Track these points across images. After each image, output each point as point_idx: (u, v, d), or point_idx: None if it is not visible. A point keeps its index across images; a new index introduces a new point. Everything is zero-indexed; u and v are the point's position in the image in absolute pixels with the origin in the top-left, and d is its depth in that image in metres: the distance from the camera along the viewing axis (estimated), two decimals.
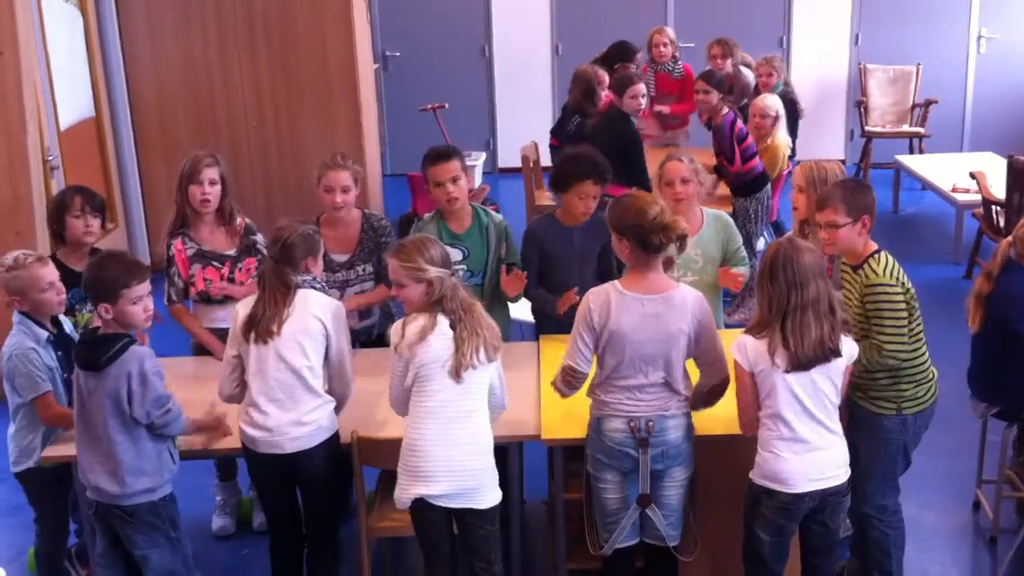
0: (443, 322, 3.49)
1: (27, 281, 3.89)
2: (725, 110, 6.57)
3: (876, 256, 3.78)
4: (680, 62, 8.01)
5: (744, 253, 4.71)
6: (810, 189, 4.26)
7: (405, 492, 3.54)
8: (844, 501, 3.59)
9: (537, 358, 4.39)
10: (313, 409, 3.71)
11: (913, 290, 3.80)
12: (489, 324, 3.54)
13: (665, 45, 7.95)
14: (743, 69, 7.96)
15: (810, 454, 3.47)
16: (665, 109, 7.96)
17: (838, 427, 3.53)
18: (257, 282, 3.75)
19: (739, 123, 6.54)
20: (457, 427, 3.49)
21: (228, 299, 4.45)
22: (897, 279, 3.74)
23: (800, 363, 3.41)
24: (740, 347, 3.49)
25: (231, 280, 4.49)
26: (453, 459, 3.49)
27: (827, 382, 3.46)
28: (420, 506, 3.54)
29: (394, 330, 3.55)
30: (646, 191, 5.60)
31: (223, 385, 3.80)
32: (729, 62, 7.92)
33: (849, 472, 3.55)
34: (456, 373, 3.47)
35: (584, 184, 4.47)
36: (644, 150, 6.52)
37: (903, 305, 3.73)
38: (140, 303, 3.51)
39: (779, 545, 3.59)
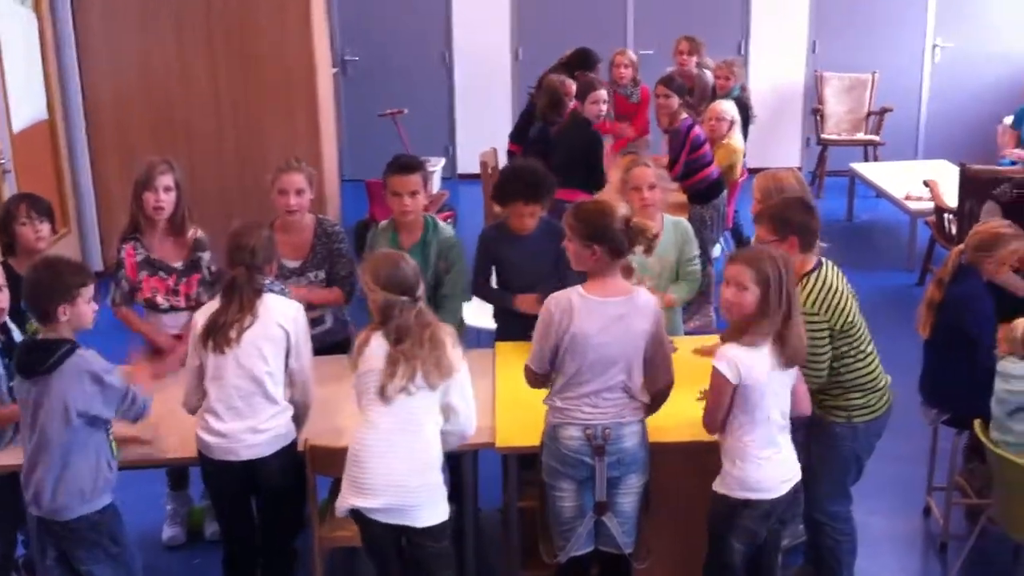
0: (380, 340, 3.45)
1: None
2: (684, 115, 6.61)
3: (805, 280, 3.79)
4: (639, 85, 8.04)
5: (696, 264, 4.74)
6: (766, 198, 4.29)
7: (343, 501, 3.52)
8: (801, 494, 3.64)
9: (492, 366, 4.38)
10: (271, 416, 3.69)
11: (851, 307, 3.81)
12: (438, 352, 3.44)
13: (626, 67, 7.99)
14: (705, 72, 8.01)
15: (780, 455, 3.52)
16: (627, 132, 7.98)
17: (789, 433, 3.58)
18: (223, 289, 3.70)
19: (697, 129, 6.58)
20: (399, 441, 3.44)
21: (173, 308, 4.44)
22: (823, 307, 3.75)
23: (790, 366, 3.47)
24: (730, 361, 3.45)
25: (176, 292, 4.45)
26: (391, 474, 3.44)
27: (788, 383, 3.51)
28: (358, 517, 3.52)
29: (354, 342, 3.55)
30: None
31: (189, 397, 3.77)
32: (694, 60, 7.97)
33: (815, 475, 3.64)
34: (381, 393, 3.42)
35: (516, 204, 4.49)
36: (601, 157, 6.55)
37: (824, 334, 3.75)
38: (91, 303, 3.50)
39: (750, 551, 3.61)
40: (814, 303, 3.75)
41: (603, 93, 6.68)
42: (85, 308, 3.48)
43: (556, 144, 6.27)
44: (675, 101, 6.62)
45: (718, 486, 3.56)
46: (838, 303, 3.78)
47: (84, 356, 3.46)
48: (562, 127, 6.75)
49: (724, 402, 3.50)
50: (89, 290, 3.50)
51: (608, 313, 3.50)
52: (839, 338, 3.79)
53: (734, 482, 3.52)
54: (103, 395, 3.45)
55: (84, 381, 3.42)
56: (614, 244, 3.49)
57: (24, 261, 4.28)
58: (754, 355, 3.44)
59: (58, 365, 3.40)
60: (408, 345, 3.41)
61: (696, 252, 4.73)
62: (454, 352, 3.50)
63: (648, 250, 3.60)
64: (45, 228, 4.34)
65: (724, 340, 3.55)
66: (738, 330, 3.49)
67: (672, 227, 4.70)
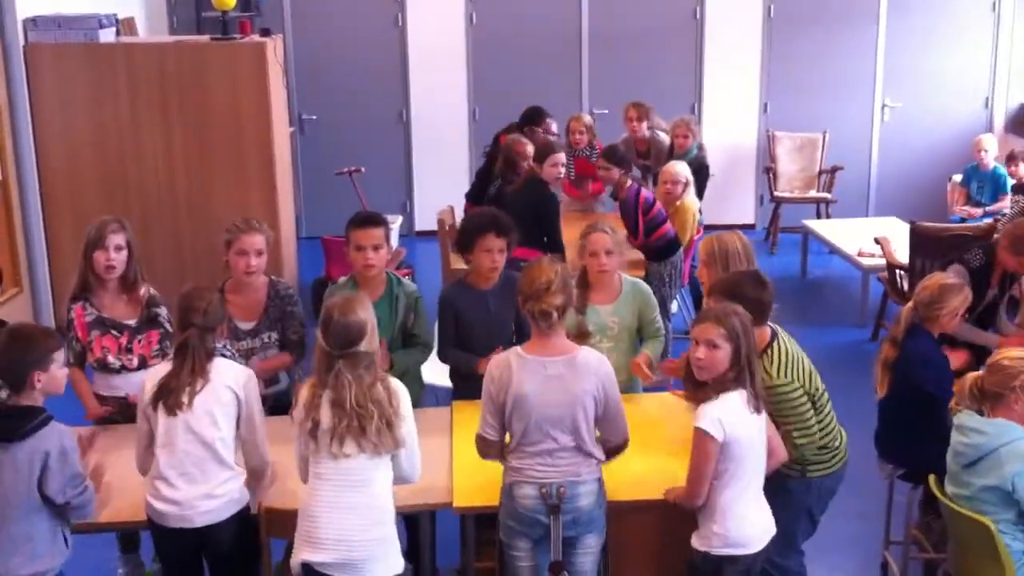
0: (325, 399, 3.41)
1: None
2: (629, 183, 6.68)
3: (768, 353, 3.83)
4: (595, 145, 8.13)
5: (660, 324, 4.77)
6: (711, 263, 4.35)
7: (295, 556, 3.48)
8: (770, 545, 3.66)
9: (450, 424, 4.36)
10: (224, 481, 3.64)
11: (812, 370, 3.87)
12: (388, 415, 3.42)
13: (581, 133, 8.08)
14: (658, 133, 8.10)
15: (759, 512, 3.56)
16: (588, 188, 8.05)
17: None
18: (175, 352, 3.67)
19: (644, 193, 6.65)
20: (350, 495, 3.42)
21: (124, 368, 4.38)
22: (793, 374, 3.80)
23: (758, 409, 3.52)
24: (712, 420, 3.46)
25: (129, 350, 4.40)
26: (342, 528, 3.41)
27: (762, 425, 3.55)
28: (309, 572, 3.46)
29: (294, 394, 3.52)
30: (560, 255, 5.66)
31: (141, 460, 3.72)
32: (645, 125, 8.07)
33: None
34: (339, 451, 3.40)
35: (486, 237, 4.50)
36: (560, 217, 6.59)
37: (803, 399, 3.80)
38: (63, 368, 3.49)
39: None
40: (785, 373, 3.80)
41: (562, 156, 6.75)
42: (58, 373, 3.47)
43: (511, 203, 6.30)
44: (615, 172, 6.70)
45: (697, 543, 3.56)
46: (804, 367, 3.85)
47: (58, 429, 3.42)
48: (517, 186, 6.80)
49: (711, 465, 3.48)
50: (61, 354, 3.48)
51: (547, 373, 3.52)
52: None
53: (716, 539, 3.52)
54: (60, 472, 3.39)
55: (53, 452, 3.36)
56: (523, 304, 3.58)
57: None
58: (733, 408, 3.48)
59: (32, 433, 3.35)
60: (355, 420, 3.37)
61: (657, 311, 4.76)
62: (399, 399, 3.48)
63: (545, 318, 3.56)
64: None
65: (697, 400, 3.57)
66: (713, 388, 3.52)
67: (631, 288, 4.73)
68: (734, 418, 3.47)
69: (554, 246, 6.25)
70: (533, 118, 7.85)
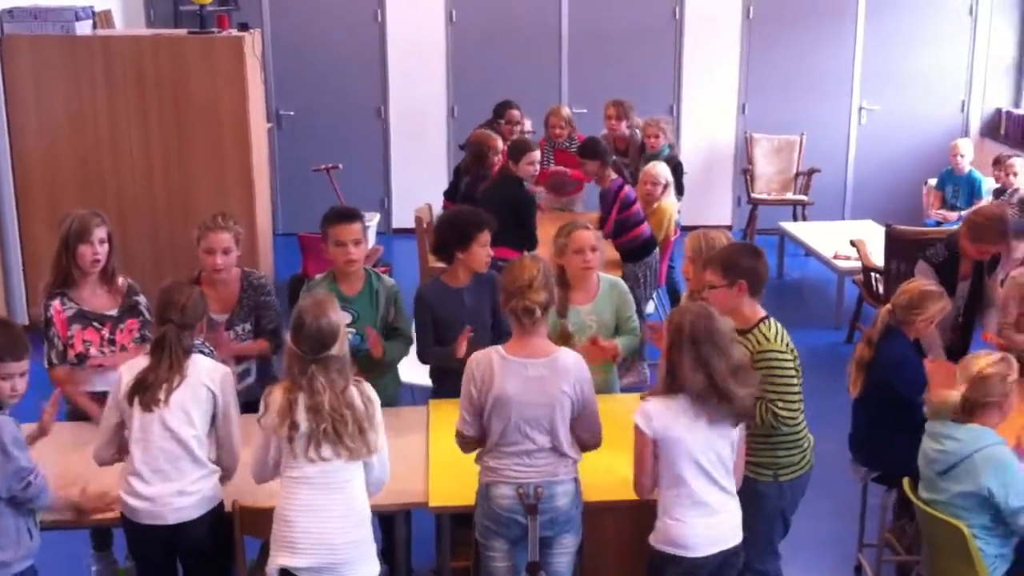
0: (301, 403, 3.39)
1: None
2: (613, 176, 6.67)
3: (766, 322, 3.86)
4: (575, 138, 8.13)
5: (635, 320, 4.76)
6: (697, 259, 4.35)
7: (272, 561, 3.45)
8: (739, 560, 3.63)
9: (426, 423, 4.35)
10: (198, 479, 3.62)
11: (798, 357, 3.89)
12: (361, 420, 3.40)
13: (561, 127, 8.07)
14: (637, 132, 8.10)
15: (711, 518, 3.51)
16: (565, 170, 8.03)
17: (733, 488, 3.58)
18: (152, 347, 3.64)
19: (627, 189, 6.65)
20: (326, 498, 3.40)
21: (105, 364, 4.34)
22: (787, 345, 3.83)
23: (715, 423, 3.47)
24: (644, 414, 3.51)
25: (111, 341, 4.37)
26: (320, 532, 3.39)
27: (725, 443, 3.51)
28: None
29: (263, 399, 3.48)
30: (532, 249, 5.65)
31: (100, 452, 3.70)
32: (624, 124, 8.06)
33: (742, 533, 3.60)
34: (318, 456, 3.39)
35: (484, 232, 4.51)
36: (534, 214, 6.58)
37: (792, 371, 3.82)
38: (9, 380, 3.40)
39: None
40: (781, 341, 3.82)
41: (537, 154, 6.73)
42: (4, 384, 3.40)
43: (484, 201, 6.27)
44: (592, 165, 6.70)
45: (652, 537, 3.58)
46: (793, 346, 3.86)
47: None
48: (489, 183, 6.77)
49: (645, 456, 3.52)
50: (6, 367, 3.40)
51: (527, 374, 3.52)
52: None
53: (661, 535, 3.55)
54: (4, 468, 3.34)
55: None
56: (506, 302, 3.58)
57: None
58: (669, 410, 3.48)
59: None
60: (330, 425, 3.35)
61: (633, 309, 4.76)
62: (374, 405, 3.46)
63: (528, 315, 3.55)
64: None
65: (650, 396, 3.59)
66: (662, 386, 3.54)
67: (609, 287, 4.72)
68: (666, 421, 3.47)
69: (530, 244, 6.25)
70: (499, 111, 7.89)
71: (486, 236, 4.52)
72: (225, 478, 3.73)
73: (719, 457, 3.51)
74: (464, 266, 4.54)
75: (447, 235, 4.60)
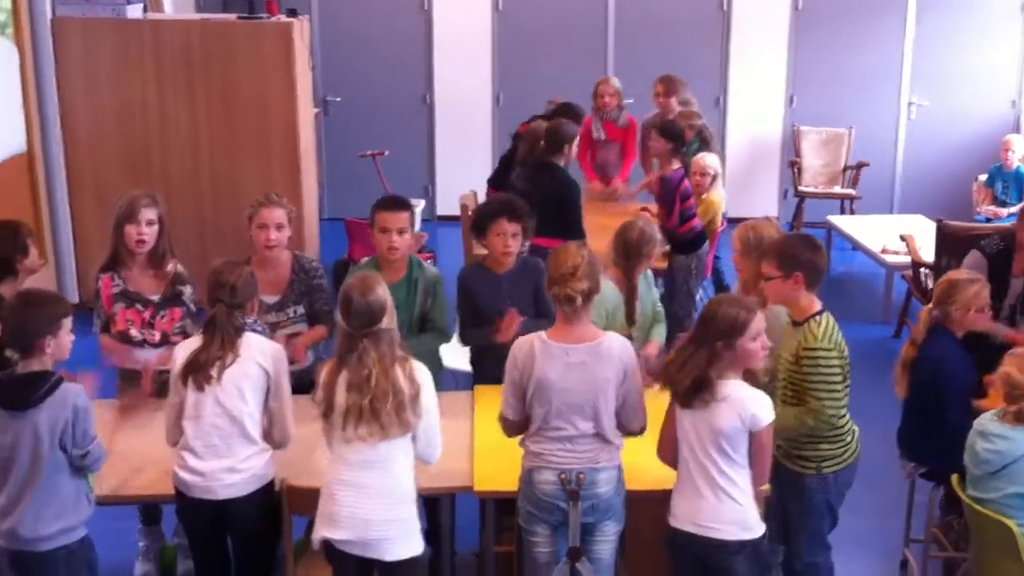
0: (342, 381, 3.41)
1: None
2: (676, 165, 6.60)
3: (818, 318, 3.81)
4: (625, 112, 8.08)
5: (660, 308, 4.85)
6: (746, 252, 4.30)
7: (316, 532, 3.51)
8: (735, 563, 3.52)
9: (471, 408, 4.36)
10: (248, 457, 3.66)
11: (848, 356, 3.84)
12: (400, 399, 3.39)
13: (611, 95, 8.00)
14: (690, 109, 7.99)
15: (692, 497, 3.51)
16: (611, 157, 7.98)
17: (730, 485, 3.48)
18: (204, 327, 3.69)
19: (687, 182, 6.59)
20: (368, 475, 3.43)
21: (146, 342, 4.41)
22: (835, 343, 3.77)
23: (680, 398, 3.50)
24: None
25: (151, 325, 4.42)
26: (359, 508, 3.43)
27: (707, 430, 3.45)
28: (329, 549, 3.49)
29: (314, 376, 3.54)
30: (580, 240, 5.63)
31: (170, 432, 3.74)
32: (674, 100, 7.96)
33: (742, 536, 3.50)
34: (354, 435, 3.40)
35: (499, 222, 4.52)
36: (581, 200, 6.53)
37: (838, 370, 3.77)
38: (71, 333, 3.50)
39: None
40: (829, 339, 3.77)
41: (574, 145, 6.67)
42: (66, 339, 3.48)
43: (529, 191, 6.22)
44: (665, 145, 6.62)
45: None
46: (843, 342, 3.81)
47: (71, 389, 3.45)
48: (532, 174, 6.68)
49: (667, 421, 3.59)
50: (70, 320, 3.50)
51: (569, 360, 3.51)
52: None
53: None
54: (75, 433, 3.42)
55: (67, 413, 3.39)
56: (548, 288, 3.57)
57: (12, 288, 4.22)
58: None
59: (46, 398, 3.38)
60: (368, 401, 3.36)
61: (657, 298, 4.84)
62: (419, 386, 3.46)
63: (569, 303, 3.56)
64: (35, 250, 4.37)
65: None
66: None
67: (643, 277, 4.78)
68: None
69: (575, 233, 6.18)
70: (571, 116, 7.63)
71: (503, 226, 4.52)
72: (278, 447, 3.77)
73: (702, 441, 3.47)
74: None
75: (472, 223, 4.69)
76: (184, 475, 3.65)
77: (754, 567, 3.57)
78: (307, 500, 3.62)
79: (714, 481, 3.48)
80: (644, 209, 6.95)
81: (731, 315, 3.43)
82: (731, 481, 3.48)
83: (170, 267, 4.50)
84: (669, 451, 3.60)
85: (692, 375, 3.43)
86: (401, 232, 4.42)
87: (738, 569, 3.54)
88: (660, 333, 4.74)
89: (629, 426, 3.64)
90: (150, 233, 4.40)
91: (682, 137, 6.72)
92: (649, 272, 4.83)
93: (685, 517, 3.52)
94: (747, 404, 3.45)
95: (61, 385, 3.42)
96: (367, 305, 3.40)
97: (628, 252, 4.68)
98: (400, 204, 4.51)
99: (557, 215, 6.07)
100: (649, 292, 4.82)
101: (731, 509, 3.50)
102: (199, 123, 7.64)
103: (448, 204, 9.70)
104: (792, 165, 10.06)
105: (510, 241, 4.53)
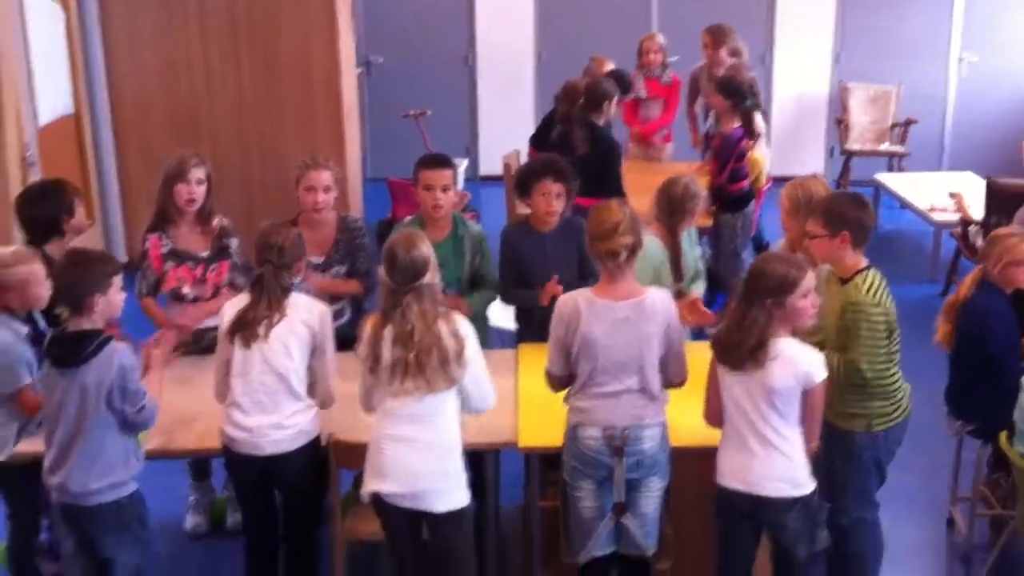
0: (387, 335, 3.43)
1: (27, 276, 3.90)
2: (736, 122, 6.53)
3: (864, 274, 3.77)
4: (669, 70, 8.00)
5: (701, 265, 4.84)
6: (795, 210, 4.25)
7: (365, 487, 3.56)
8: (787, 519, 3.53)
9: (515, 365, 4.37)
10: (294, 413, 3.70)
11: (895, 313, 3.80)
12: (444, 353, 3.41)
13: (655, 52, 7.92)
14: (741, 59, 7.89)
15: (741, 455, 3.50)
16: (653, 115, 7.92)
17: (782, 443, 3.47)
18: (251, 286, 3.73)
19: (745, 141, 6.52)
20: (413, 429, 3.46)
21: (198, 298, 4.47)
22: (880, 300, 3.73)
23: (727, 363, 3.48)
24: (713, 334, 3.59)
25: (203, 280, 4.47)
26: (406, 460, 3.46)
27: (760, 389, 3.43)
28: (379, 502, 3.54)
29: (358, 331, 3.55)
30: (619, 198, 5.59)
31: (219, 388, 3.80)
32: (723, 51, 7.84)
33: (794, 493, 3.50)
34: (400, 389, 3.43)
35: (544, 182, 4.51)
36: (620, 159, 6.49)
37: (882, 326, 3.73)
38: (121, 292, 3.54)
39: (729, 546, 3.63)
40: (875, 295, 3.73)
41: (614, 103, 6.61)
42: (116, 297, 3.52)
43: (570, 151, 6.20)
44: (720, 101, 6.56)
45: None
46: (891, 301, 3.77)
47: (118, 348, 3.49)
48: (574, 133, 6.64)
49: (711, 382, 3.59)
50: (120, 279, 3.54)
51: (614, 316, 3.51)
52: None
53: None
54: (123, 390, 3.47)
55: (113, 372, 3.44)
56: (590, 245, 3.57)
57: (62, 247, 4.28)
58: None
59: (93, 356, 3.42)
60: (414, 355, 3.38)
61: (697, 248, 4.83)
62: (463, 340, 3.47)
63: (613, 260, 3.55)
64: (83, 210, 4.43)
65: None
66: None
67: (687, 233, 4.79)
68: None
69: (615, 191, 6.14)
70: (620, 84, 7.56)
71: (547, 185, 4.50)
72: (321, 407, 3.82)
73: (755, 402, 3.45)
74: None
75: (516, 183, 4.69)
76: (231, 431, 3.71)
77: (804, 523, 3.57)
78: (354, 454, 3.67)
79: (765, 439, 3.47)
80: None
81: (781, 273, 3.41)
82: (783, 438, 3.48)
83: (216, 222, 4.55)
84: (717, 414, 3.59)
85: (757, 336, 3.40)
86: (445, 189, 4.43)
87: (789, 525, 3.54)
88: (699, 287, 4.74)
89: (671, 378, 3.64)
90: (200, 192, 4.45)
91: (741, 92, 6.61)
92: (693, 229, 4.80)
93: (734, 475, 3.52)
94: (801, 362, 3.44)
95: (108, 344, 3.46)
96: (411, 261, 3.42)
97: (672, 208, 4.66)
98: (443, 161, 4.52)
99: (596, 174, 6.03)
100: (692, 249, 4.81)
101: (782, 466, 3.49)
102: (243, 83, 7.69)
103: (491, 164, 9.70)
104: (839, 123, 9.93)
105: (554, 201, 4.52)
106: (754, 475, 3.49)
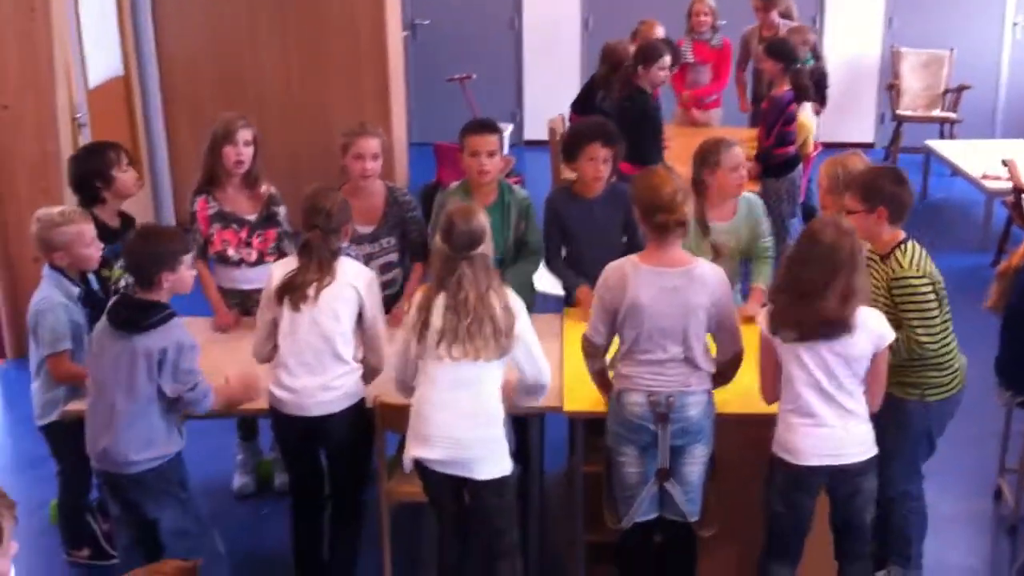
0: (440, 302, 3.44)
1: (74, 235, 3.94)
2: (787, 86, 6.45)
3: (903, 246, 3.72)
4: (720, 33, 7.90)
5: (769, 241, 4.65)
6: (834, 187, 4.20)
7: (407, 453, 3.58)
8: (862, 481, 3.53)
9: (561, 330, 4.38)
10: (341, 375, 3.73)
11: (942, 280, 3.76)
12: (497, 321, 3.42)
13: (705, 14, 7.83)
14: (789, 23, 7.79)
15: (820, 429, 3.45)
16: (702, 80, 7.84)
17: (858, 407, 3.48)
18: (299, 251, 3.75)
19: (794, 106, 6.44)
20: (460, 395, 3.47)
21: (243, 261, 4.49)
22: (924, 270, 3.69)
23: (806, 336, 3.39)
24: (764, 315, 3.52)
25: (248, 244, 4.50)
26: (452, 427, 3.48)
27: (840, 362, 3.41)
28: (422, 468, 3.57)
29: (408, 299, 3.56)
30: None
31: (258, 348, 3.83)
32: (774, 14, 7.74)
33: (869, 454, 3.51)
34: (448, 355, 3.44)
35: (592, 146, 4.46)
36: (661, 128, 6.43)
37: (932, 296, 3.69)
38: (191, 269, 3.58)
39: (793, 519, 3.58)
40: (917, 266, 3.69)
41: (667, 59, 6.50)
42: (186, 275, 3.56)
43: (615, 115, 6.15)
44: (771, 65, 6.48)
45: (773, 441, 3.58)
46: (934, 269, 3.73)
47: (180, 325, 3.53)
48: (619, 97, 6.59)
49: (767, 358, 3.52)
50: (190, 256, 3.58)
51: (662, 284, 3.48)
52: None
53: (775, 438, 3.53)
54: (175, 367, 3.48)
55: (171, 347, 3.46)
56: (647, 215, 3.50)
57: (108, 211, 4.33)
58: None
59: (154, 328, 3.45)
60: (466, 323, 3.40)
61: (767, 234, 4.65)
62: (513, 316, 3.48)
63: (682, 233, 3.53)
64: (135, 173, 4.44)
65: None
66: (773, 293, 3.54)
67: (747, 207, 4.63)
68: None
69: (654, 157, 6.07)
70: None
71: (595, 149, 4.45)
72: (372, 375, 3.85)
73: (828, 369, 3.42)
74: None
75: (563, 147, 4.62)
76: (278, 392, 3.74)
77: (874, 484, 3.58)
78: (399, 417, 3.69)
79: (842, 407, 3.44)
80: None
81: (849, 244, 3.38)
82: (857, 402, 3.48)
83: (264, 188, 4.56)
84: (775, 391, 3.55)
85: (848, 308, 3.35)
86: (491, 155, 4.42)
87: (864, 488, 3.55)
88: (764, 275, 4.55)
89: (725, 352, 3.62)
90: (247, 154, 4.46)
91: (792, 56, 6.53)
92: (757, 202, 4.70)
93: (814, 452, 3.46)
94: (873, 324, 3.43)
95: (171, 319, 3.49)
96: (469, 229, 3.44)
97: (702, 159, 4.58)
98: (489, 127, 4.50)
99: (636, 139, 5.99)
100: (749, 220, 4.61)
101: (859, 431, 3.49)
102: (290, 47, 7.71)
103: (535, 129, 9.66)
104: (890, 88, 9.78)
105: (601, 166, 4.49)
106: (837, 446, 3.46)
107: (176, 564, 2.47)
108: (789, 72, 6.45)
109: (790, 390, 3.47)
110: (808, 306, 3.37)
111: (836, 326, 3.38)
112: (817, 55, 7.55)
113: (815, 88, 7.06)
